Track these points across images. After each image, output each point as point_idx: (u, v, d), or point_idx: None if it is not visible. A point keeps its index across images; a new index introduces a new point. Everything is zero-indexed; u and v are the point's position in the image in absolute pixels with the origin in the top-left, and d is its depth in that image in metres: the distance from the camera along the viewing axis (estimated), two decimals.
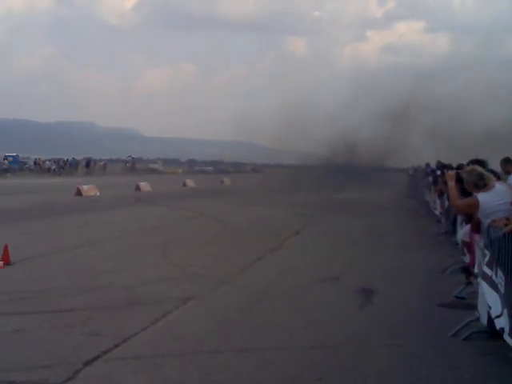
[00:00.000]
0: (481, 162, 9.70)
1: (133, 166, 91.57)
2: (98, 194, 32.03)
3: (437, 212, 20.30)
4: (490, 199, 7.28)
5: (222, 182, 55.78)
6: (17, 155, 74.20)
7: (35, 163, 75.62)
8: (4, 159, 69.25)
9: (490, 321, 6.46)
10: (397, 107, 57.29)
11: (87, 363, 5.54)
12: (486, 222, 7.19)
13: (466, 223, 9.82)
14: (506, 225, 6.36)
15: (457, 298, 8.76)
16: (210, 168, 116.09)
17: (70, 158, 77.28)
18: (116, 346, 6.10)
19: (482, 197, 7.35)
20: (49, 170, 70.54)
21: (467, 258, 10.02)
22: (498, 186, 7.50)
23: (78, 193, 30.86)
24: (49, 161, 78.02)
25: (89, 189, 32.08)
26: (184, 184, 46.60)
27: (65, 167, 72.17)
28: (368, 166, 60.12)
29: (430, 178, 24.60)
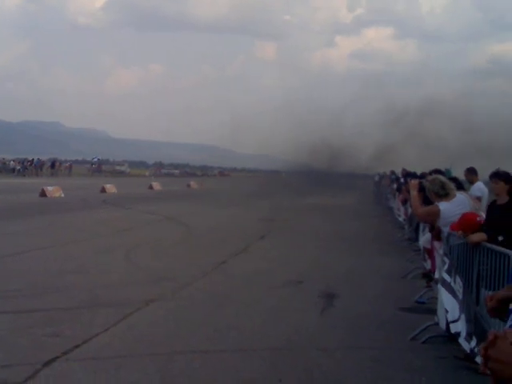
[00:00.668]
0: (442, 172, 9.92)
1: (99, 168, 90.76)
2: (62, 195, 31.64)
3: (400, 219, 20.56)
4: (451, 208, 7.43)
5: (189, 185, 55.65)
6: None
7: None
8: None
9: (448, 325, 6.59)
10: (385, 113, 57.86)
11: (47, 363, 5.51)
12: (445, 230, 7.34)
13: (430, 231, 9.99)
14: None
15: (417, 302, 8.91)
16: (176, 171, 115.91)
17: (35, 159, 76.08)
18: (76, 346, 6.07)
19: (442, 205, 7.51)
20: (13, 170, 69.42)
21: (428, 264, 10.21)
22: (459, 196, 7.67)
23: (43, 194, 30.43)
24: (13, 161, 76.84)
25: (53, 190, 31.66)
26: (150, 187, 46.35)
27: (29, 168, 71.06)
28: (346, 172, 60.43)
29: (395, 185, 24.89)
